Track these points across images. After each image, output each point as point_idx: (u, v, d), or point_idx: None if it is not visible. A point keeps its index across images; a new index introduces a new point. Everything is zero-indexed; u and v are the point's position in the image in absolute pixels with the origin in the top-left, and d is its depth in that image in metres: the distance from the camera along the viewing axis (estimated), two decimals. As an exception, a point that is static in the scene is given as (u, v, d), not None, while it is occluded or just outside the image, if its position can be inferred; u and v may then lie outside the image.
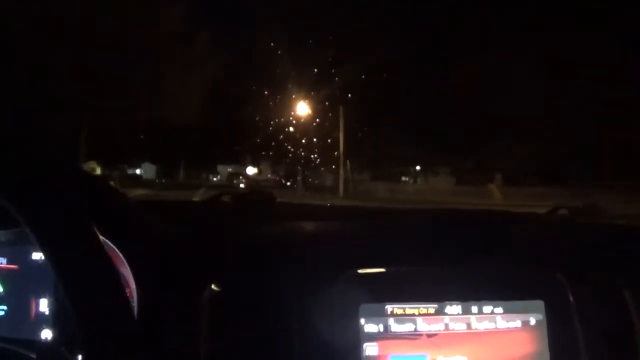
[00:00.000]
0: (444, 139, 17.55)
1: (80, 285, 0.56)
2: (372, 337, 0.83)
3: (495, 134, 15.83)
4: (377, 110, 18.64)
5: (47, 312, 0.93)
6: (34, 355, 0.84)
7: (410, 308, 0.85)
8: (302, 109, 20.01)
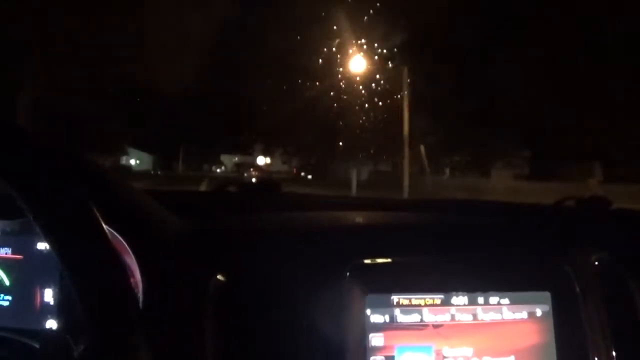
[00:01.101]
0: (514, 123, 13.13)
1: (85, 274, 0.56)
2: (378, 327, 0.83)
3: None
4: (438, 87, 13.74)
5: (52, 302, 0.93)
6: (37, 345, 0.84)
7: (416, 298, 0.85)
8: (345, 75, 14.05)
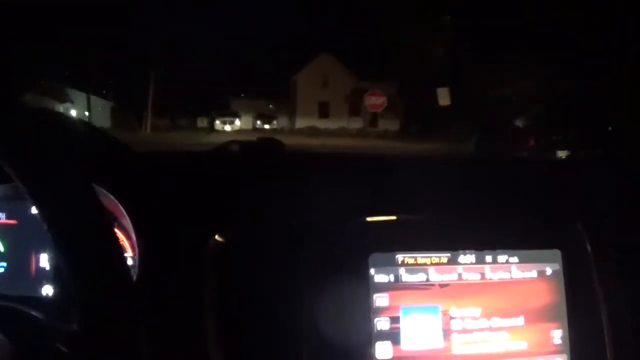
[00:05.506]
0: None
1: (74, 244, 0.52)
2: (383, 287, 0.80)
3: None
4: None
5: (47, 268, 0.91)
6: (34, 312, 0.82)
7: (422, 257, 0.82)
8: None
